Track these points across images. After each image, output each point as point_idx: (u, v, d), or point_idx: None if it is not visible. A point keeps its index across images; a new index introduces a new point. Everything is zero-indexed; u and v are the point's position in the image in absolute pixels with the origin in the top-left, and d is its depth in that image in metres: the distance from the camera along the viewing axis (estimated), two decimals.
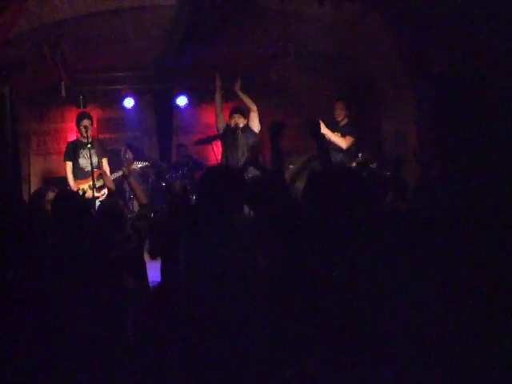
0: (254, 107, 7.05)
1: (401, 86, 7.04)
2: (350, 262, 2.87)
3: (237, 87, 7.22)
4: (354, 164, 6.79)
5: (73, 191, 6.54)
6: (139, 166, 7.59)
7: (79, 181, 7.20)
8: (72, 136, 9.78)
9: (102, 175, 7.08)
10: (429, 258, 2.98)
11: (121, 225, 4.10)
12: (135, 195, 4.85)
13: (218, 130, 7.38)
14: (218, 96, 7.29)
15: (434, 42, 5.82)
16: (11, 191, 4.80)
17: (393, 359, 2.82)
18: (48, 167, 9.93)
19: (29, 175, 9.41)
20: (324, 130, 6.99)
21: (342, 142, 7.06)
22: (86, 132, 6.85)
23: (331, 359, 2.87)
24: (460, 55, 5.38)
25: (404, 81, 6.85)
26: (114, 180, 7.00)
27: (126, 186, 9.01)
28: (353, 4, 6.23)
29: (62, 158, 7.42)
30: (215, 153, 9.03)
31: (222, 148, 7.46)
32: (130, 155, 8.54)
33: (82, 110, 7.72)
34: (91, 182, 6.92)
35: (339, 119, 7.26)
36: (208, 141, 9.25)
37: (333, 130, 7.25)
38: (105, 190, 7.13)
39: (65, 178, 7.33)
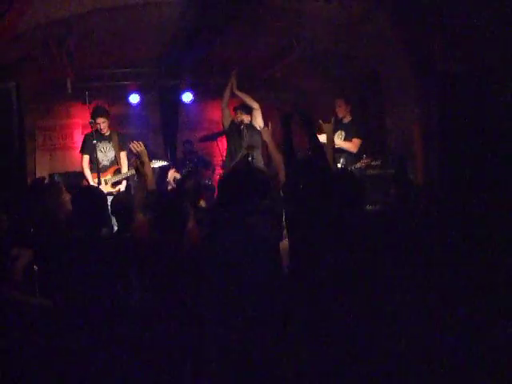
0: (255, 105, 6.99)
1: (405, 84, 7.04)
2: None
3: (234, 88, 7.07)
4: (358, 165, 6.78)
5: (94, 186, 6.32)
6: (156, 165, 7.49)
7: (95, 174, 6.92)
8: (78, 132, 9.84)
9: (119, 170, 7.07)
10: (427, 256, 2.99)
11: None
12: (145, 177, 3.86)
13: (223, 127, 7.34)
14: (227, 92, 7.15)
15: (438, 40, 5.82)
16: (17, 187, 4.81)
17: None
18: (54, 163, 9.97)
19: (34, 171, 9.46)
20: (336, 140, 6.82)
21: (351, 146, 6.95)
22: (100, 129, 7.07)
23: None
24: (464, 53, 5.38)
25: (409, 78, 6.85)
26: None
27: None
28: (359, 2, 6.23)
29: (79, 150, 7.33)
30: (220, 149, 9.07)
31: (227, 145, 7.46)
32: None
33: (96, 105, 7.62)
34: (107, 177, 6.99)
35: (341, 116, 7.16)
36: (213, 137, 9.29)
37: (336, 129, 7.25)
38: (120, 186, 7.09)
39: (73, 173, 7.45)
